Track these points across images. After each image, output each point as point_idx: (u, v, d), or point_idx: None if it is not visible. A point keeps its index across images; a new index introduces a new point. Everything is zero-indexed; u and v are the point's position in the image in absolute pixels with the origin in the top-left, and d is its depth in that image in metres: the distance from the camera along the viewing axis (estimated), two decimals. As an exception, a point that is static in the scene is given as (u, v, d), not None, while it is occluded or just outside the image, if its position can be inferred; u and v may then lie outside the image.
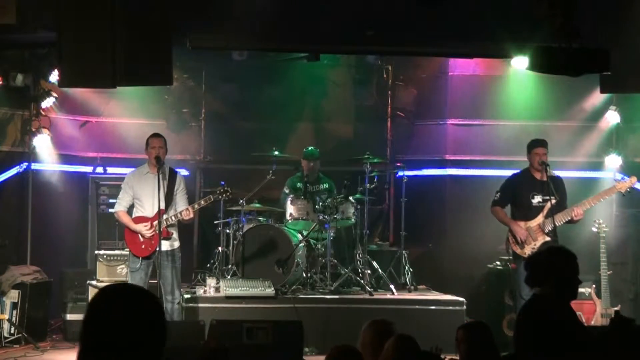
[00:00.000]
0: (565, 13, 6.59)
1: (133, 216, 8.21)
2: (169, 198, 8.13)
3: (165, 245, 8.01)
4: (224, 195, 8.39)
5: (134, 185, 8.23)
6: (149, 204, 8.13)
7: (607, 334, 4.41)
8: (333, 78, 11.33)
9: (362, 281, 9.35)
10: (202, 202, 8.29)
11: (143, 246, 8.10)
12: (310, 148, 10.15)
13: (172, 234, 8.15)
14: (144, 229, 8.07)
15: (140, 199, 8.19)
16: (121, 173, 9.34)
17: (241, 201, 9.56)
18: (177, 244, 8.23)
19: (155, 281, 8.13)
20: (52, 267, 9.83)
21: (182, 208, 8.15)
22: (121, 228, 8.47)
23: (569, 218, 8.29)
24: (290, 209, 9.51)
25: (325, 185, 10.11)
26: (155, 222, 7.99)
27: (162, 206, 7.94)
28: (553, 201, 8.18)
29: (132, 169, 8.51)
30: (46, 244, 10.07)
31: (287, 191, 10.05)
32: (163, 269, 8.02)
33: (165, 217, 8.00)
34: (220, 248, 9.73)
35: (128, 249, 8.26)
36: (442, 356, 4.80)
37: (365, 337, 4.79)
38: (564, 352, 4.63)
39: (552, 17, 6.63)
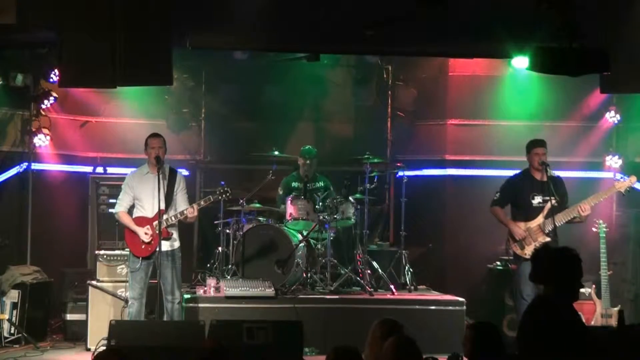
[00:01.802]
0: (565, 13, 6.59)
1: (133, 216, 8.21)
2: (169, 198, 8.13)
3: (165, 246, 8.01)
4: (223, 196, 8.39)
5: (135, 186, 8.23)
6: (149, 204, 8.13)
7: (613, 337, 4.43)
8: (333, 78, 11.32)
9: (362, 281, 9.34)
10: (202, 203, 8.28)
11: (143, 246, 8.10)
12: (307, 146, 10.13)
13: (172, 234, 8.15)
14: (143, 234, 8.06)
15: (140, 200, 8.19)
16: (121, 173, 9.34)
17: (241, 201, 9.56)
18: (177, 244, 8.23)
19: (155, 281, 8.14)
20: (52, 267, 9.82)
21: (183, 208, 8.14)
22: (121, 228, 8.47)
23: (572, 217, 8.28)
24: (290, 209, 9.51)
25: (321, 184, 10.07)
26: (155, 223, 7.99)
27: (162, 206, 7.94)
28: (553, 201, 8.18)
29: (133, 169, 8.51)
30: (46, 244, 10.07)
31: (280, 192, 10.04)
32: (163, 269, 8.02)
33: (165, 217, 8.00)
34: (220, 248, 9.73)
35: (128, 249, 8.26)
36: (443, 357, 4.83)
37: (374, 333, 4.78)
38: (566, 353, 4.63)
39: (552, 17, 6.64)
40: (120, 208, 8.26)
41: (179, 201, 8.22)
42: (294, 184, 9.95)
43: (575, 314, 4.87)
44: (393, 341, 4.44)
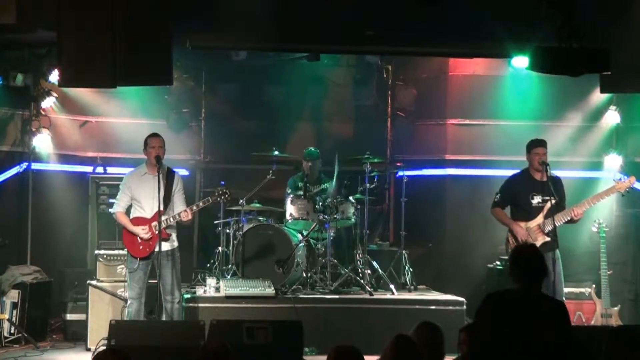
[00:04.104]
0: (565, 13, 6.60)
1: (131, 217, 8.19)
2: (167, 199, 8.09)
3: (164, 246, 7.99)
4: (222, 197, 8.38)
5: (132, 187, 8.20)
6: (147, 205, 8.11)
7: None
8: (333, 78, 11.32)
9: (362, 281, 9.35)
10: (201, 204, 8.28)
11: (141, 247, 8.09)
12: (310, 148, 10.16)
13: (171, 235, 8.14)
14: (142, 232, 8.05)
15: (139, 200, 8.17)
16: (121, 173, 9.32)
17: (241, 201, 9.56)
18: (175, 244, 8.21)
19: (155, 281, 8.13)
20: (52, 267, 9.84)
21: (180, 209, 8.13)
22: (121, 228, 8.46)
23: (569, 218, 8.29)
24: (290, 209, 9.51)
25: (326, 185, 10.10)
26: (154, 224, 7.98)
27: (162, 207, 7.92)
28: (553, 201, 8.18)
29: (131, 170, 8.51)
30: (46, 244, 10.07)
31: (288, 191, 10.06)
32: (162, 269, 8.00)
33: (164, 218, 7.98)
34: (220, 248, 9.74)
35: (126, 250, 8.24)
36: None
37: (419, 337, 4.78)
38: (515, 349, 4.63)
39: (552, 17, 6.64)
40: (118, 208, 8.24)
41: (176, 202, 8.20)
42: (300, 184, 9.95)
43: (531, 311, 4.82)
44: (392, 342, 4.45)
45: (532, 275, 4.86)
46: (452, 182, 10.86)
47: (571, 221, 8.35)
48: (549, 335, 4.69)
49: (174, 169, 8.46)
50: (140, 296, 8.09)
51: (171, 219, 8.07)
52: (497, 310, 4.75)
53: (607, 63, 6.77)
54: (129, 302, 8.15)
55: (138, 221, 8.13)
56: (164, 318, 8.03)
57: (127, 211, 8.25)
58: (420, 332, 4.82)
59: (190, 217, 8.14)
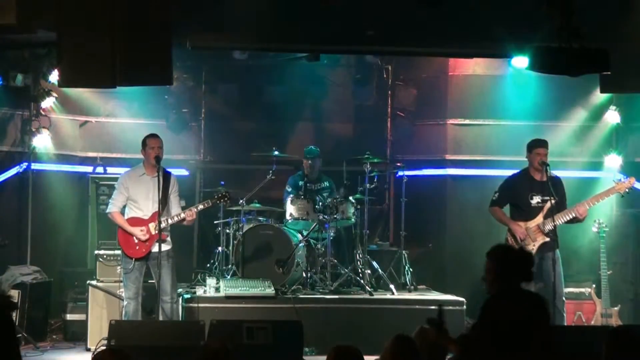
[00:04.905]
0: (565, 13, 6.60)
1: (127, 217, 8.16)
2: (164, 200, 8.06)
3: (162, 247, 7.95)
4: (222, 201, 8.38)
5: (130, 187, 8.17)
6: (145, 206, 8.08)
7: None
8: (333, 78, 11.32)
9: (362, 281, 9.35)
10: (201, 206, 8.27)
11: (137, 247, 8.06)
12: (310, 147, 10.19)
13: (167, 236, 8.13)
14: (139, 233, 8.03)
15: (135, 201, 8.14)
16: (121, 173, 9.33)
17: (241, 201, 9.55)
18: (170, 245, 8.20)
19: (151, 281, 8.12)
20: (52, 267, 9.83)
21: (175, 210, 8.13)
22: (120, 228, 8.46)
23: (571, 217, 8.29)
24: (290, 209, 9.51)
25: (326, 184, 10.12)
26: (151, 224, 7.97)
27: (160, 209, 7.91)
28: (552, 201, 8.18)
29: (127, 169, 8.50)
30: (46, 244, 10.07)
31: (289, 189, 10.06)
32: (161, 270, 7.97)
33: (163, 219, 7.95)
34: (220, 248, 9.73)
35: (121, 250, 8.22)
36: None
37: (424, 338, 4.78)
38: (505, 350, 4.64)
39: (552, 17, 6.64)
40: (114, 208, 8.21)
41: (172, 203, 8.19)
42: (301, 183, 9.96)
43: (513, 311, 4.83)
44: (392, 341, 4.45)
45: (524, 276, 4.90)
46: (452, 182, 10.86)
47: (576, 220, 8.35)
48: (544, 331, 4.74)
49: (168, 170, 8.38)
50: (137, 296, 8.08)
51: (170, 220, 8.05)
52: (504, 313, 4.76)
53: (607, 63, 6.78)
54: (125, 302, 8.11)
55: (134, 222, 8.10)
56: (161, 318, 8.01)
57: (122, 211, 8.23)
58: (427, 333, 4.82)
59: (194, 217, 8.15)
